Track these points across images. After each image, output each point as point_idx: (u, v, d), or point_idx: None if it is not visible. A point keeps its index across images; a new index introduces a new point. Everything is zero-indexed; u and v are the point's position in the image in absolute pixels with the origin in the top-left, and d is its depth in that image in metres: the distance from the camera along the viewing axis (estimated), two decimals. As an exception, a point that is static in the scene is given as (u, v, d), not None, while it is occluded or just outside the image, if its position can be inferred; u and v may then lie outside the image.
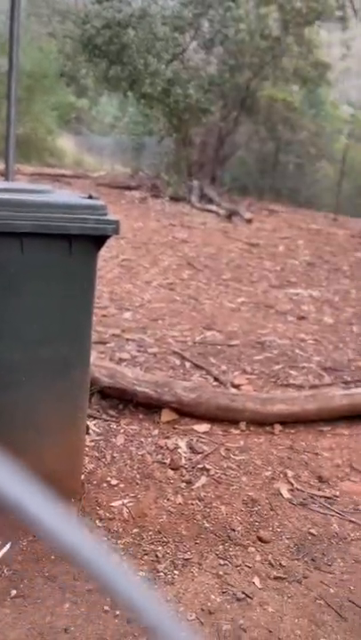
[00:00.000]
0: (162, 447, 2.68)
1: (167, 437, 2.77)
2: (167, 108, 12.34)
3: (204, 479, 2.47)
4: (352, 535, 2.23)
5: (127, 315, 4.56)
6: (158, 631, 0.29)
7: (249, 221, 10.34)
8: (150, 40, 11.73)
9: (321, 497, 2.46)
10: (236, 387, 3.42)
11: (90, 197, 2.04)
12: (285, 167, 16.30)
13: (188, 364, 3.67)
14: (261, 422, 2.98)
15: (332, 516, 2.33)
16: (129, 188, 12.86)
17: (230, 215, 10.54)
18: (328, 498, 2.46)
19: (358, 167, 16.09)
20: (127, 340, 3.96)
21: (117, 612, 1.72)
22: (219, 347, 4.07)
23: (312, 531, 2.22)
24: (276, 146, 15.58)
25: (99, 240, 1.94)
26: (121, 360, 3.58)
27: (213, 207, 11.15)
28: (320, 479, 2.58)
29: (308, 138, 15.60)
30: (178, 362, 3.69)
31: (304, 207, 13.97)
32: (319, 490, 2.51)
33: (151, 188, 12.57)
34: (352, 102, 18.80)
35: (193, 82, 11.90)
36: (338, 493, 2.50)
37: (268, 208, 12.66)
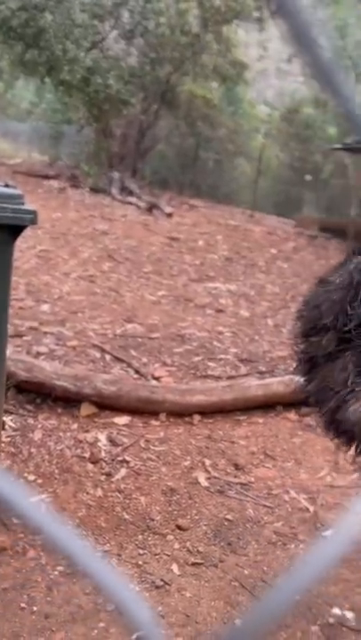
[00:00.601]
0: (81, 441, 2.65)
1: (87, 431, 2.75)
2: (87, 97, 12.11)
3: (123, 471, 2.49)
4: (266, 519, 2.33)
5: (45, 307, 4.46)
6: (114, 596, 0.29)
7: (169, 215, 10.41)
8: (68, 26, 11.43)
9: (237, 483, 2.55)
10: (157, 379, 3.46)
11: (6, 186, 1.98)
12: (205, 163, 16.55)
13: (108, 357, 3.66)
14: (181, 413, 3.04)
15: (248, 501, 2.43)
16: (47, 177, 12.50)
17: (151, 208, 10.56)
18: (244, 484, 2.55)
19: (274, 166, 16.67)
20: (45, 333, 3.87)
21: (35, 609, 1.70)
22: (139, 339, 4.08)
23: (228, 516, 2.30)
24: (196, 141, 15.77)
25: (15, 230, 1.89)
26: (39, 354, 3.50)
27: (134, 200, 11.11)
28: (236, 467, 2.68)
29: (227, 135, 15.93)
30: (98, 355, 3.67)
31: (223, 203, 14.26)
32: (235, 477, 2.60)
33: (70, 178, 12.29)
34: (269, 102, 19.41)
35: (113, 72, 11.75)
36: (253, 479, 2.60)
37: (189, 203, 12.81)
